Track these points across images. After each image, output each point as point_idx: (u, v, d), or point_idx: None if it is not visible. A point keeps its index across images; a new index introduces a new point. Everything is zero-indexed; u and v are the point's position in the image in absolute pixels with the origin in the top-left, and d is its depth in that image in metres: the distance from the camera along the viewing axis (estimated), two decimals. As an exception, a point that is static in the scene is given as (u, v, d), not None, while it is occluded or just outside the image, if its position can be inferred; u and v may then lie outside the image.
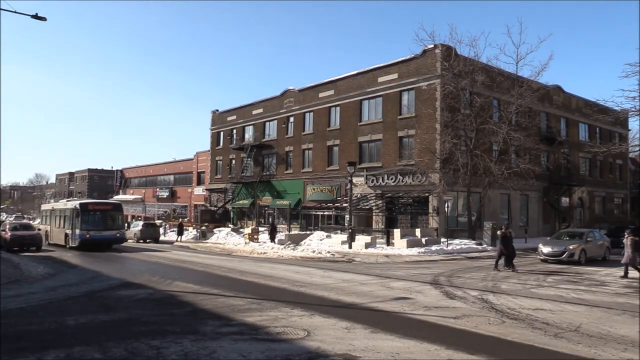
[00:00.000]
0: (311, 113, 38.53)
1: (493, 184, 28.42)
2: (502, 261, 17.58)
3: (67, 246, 26.77)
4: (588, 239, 20.93)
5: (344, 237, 27.36)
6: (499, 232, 18.47)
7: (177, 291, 12.47)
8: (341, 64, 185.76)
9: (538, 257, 20.79)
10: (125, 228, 31.15)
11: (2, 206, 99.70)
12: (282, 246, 26.42)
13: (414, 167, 29.04)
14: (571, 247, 19.73)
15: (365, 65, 36.52)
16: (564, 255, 19.58)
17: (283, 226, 38.76)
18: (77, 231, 25.52)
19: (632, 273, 15.80)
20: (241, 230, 38.44)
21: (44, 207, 37.04)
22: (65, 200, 36.56)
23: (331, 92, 36.68)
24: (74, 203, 27.38)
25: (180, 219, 38.77)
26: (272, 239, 30.09)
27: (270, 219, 39.75)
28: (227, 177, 47.81)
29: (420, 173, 28.73)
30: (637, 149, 42.20)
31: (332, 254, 23.01)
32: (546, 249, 20.42)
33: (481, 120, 28.19)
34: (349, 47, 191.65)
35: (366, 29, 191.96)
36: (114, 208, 27.83)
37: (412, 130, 30.17)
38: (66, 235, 27.29)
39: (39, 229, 31.33)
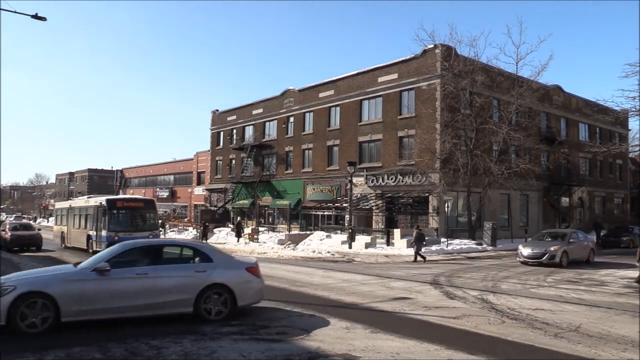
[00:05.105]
0: (311, 113, 38.53)
1: (493, 184, 28.41)
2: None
3: (90, 250, 22.77)
4: (571, 240, 19.64)
5: (344, 237, 27.36)
6: None
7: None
8: (341, 64, 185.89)
9: (517, 259, 19.59)
10: (161, 229, 26.76)
11: (2, 206, 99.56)
12: (282, 246, 26.43)
13: (414, 167, 29.04)
14: (552, 249, 18.57)
15: (365, 65, 36.59)
16: (544, 257, 18.36)
17: (283, 226, 38.78)
18: (103, 233, 21.81)
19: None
20: (241, 230, 38.36)
21: (59, 204, 32.76)
22: (85, 196, 32.06)
23: (331, 92, 36.69)
24: (99, 199, 23.77)
25: (239, 218, 34.42)
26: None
27: (202, 222, 35.99)
28: (227, 177, 47.81)
29: (420, 173, 28.73)
30: (637, 149, 42.16)
31: (332, 254, 23.02)
32: (526, 251, 19.16)
33: (481, 120, 28.19)
34: (349, 47, 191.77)
35: (366, 29, 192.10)
36: (146, 205, 24.18)
37: (412, 130, 30.17)
38: (88, 237, 23.73)
39: (39, 230, 29.80)
